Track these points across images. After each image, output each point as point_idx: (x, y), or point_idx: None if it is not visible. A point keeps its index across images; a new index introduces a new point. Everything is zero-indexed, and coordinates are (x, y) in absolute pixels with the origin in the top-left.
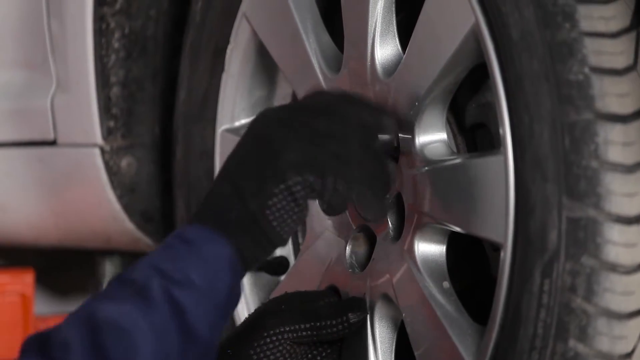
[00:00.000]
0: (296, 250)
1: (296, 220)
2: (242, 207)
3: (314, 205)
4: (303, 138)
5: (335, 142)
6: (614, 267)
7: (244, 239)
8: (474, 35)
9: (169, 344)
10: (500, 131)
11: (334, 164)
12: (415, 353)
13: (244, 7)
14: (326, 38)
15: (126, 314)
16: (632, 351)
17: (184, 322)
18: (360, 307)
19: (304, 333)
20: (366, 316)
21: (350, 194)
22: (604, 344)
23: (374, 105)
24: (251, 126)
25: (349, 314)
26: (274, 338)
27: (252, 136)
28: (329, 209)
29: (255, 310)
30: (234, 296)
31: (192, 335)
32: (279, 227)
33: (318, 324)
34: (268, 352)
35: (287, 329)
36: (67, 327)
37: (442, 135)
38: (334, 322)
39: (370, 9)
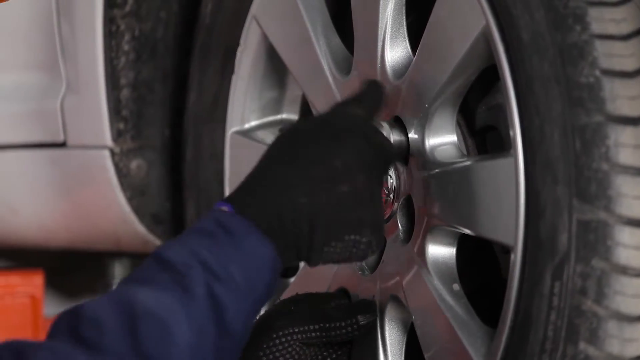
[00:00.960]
0: None
1: (338, 262)
2: (309, 238)
3: None
4: (376, 196)
5: (379, 202)
6: (624, 270)
7: (290, 250)
8: (485, 38)
9: (206, 339)
10: (511, 133)
11: (369, 219)
12: (425, 355)
13: (253, 9)
14: (336, 40)
15: (165, 304)
16: None
17: (223, 319)
18: (370, 309)
19: (314, 334)
20: (376, 318)
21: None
22: (614, 346)
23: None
24: (324, 135)
25: (359, 316)
26: (284, 339)
27: (332, 154)
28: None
29: (265, 311)
30: (270, 292)
31: (229, 332)
32: (323, 260)
33: (327, 325)
34: (277, 354)
35: (297, 330)
36: (102, 307)
37: (452, 138)
38: (343, 323)
39: (381, 11)
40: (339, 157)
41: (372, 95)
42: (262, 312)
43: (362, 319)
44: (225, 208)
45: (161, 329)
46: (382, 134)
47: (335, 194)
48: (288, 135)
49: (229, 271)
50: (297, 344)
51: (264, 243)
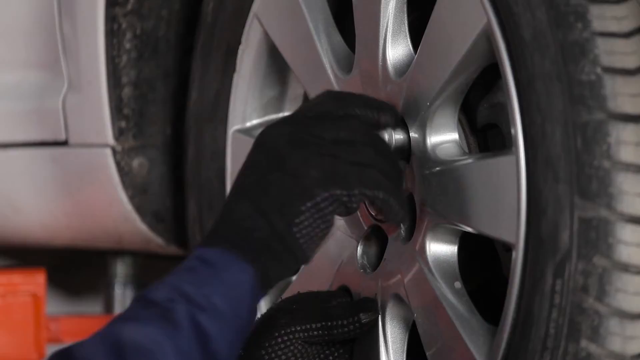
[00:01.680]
0: None
1: (321, 237)
2: (267, 226)
3: None
4: (319, 152)
5: (351, 150)
6: (626, 267)
7: (269, 259)
8: (486, 36)
9: None
10: (512, 131)
11: (357, 174)
12: (427, 353)
13: (255, 8)
14: (337, 38)
15: (151, 336)
16: None
17: (208, 347)
18: (372, 308)
19: (316, 333)
20: (378, 317)
21: (377, 202)
22: (616, 344)
23: (368, 99)
24: (259, 144)
25: (361, 315)
26: (285, 338)
27: (264, 155)
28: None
29: (267, 310)
30: (253, 318)
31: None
32: (305, 245)
33: (329, 323)
34: (279, 352)
35: (299, 328)
36: (90, 347)
37: (454, 136)
38: (345, 322)
39: (382, 9)
40: (263, 151)
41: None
42: (264, 310)
43: (364, 317)
44: (202, 246)
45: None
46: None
47: (267, 178)
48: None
49: (211, 301)
50: (299, 342)
51: (243, 269)
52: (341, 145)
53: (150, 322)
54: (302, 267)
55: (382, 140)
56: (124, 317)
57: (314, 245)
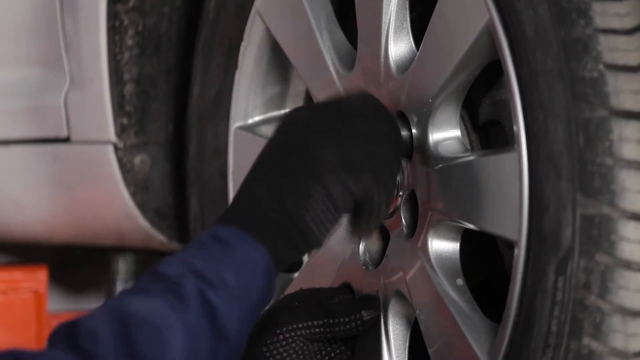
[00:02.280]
0: None
1: (333, 223)
2: (280, 209)
3: None
4: (337, 139)
5: (369, 142)
6: (628, 265)
7: (281, 242)
8: (488, 32)
9: (200, 344)
10: (514, 128)
11: (370, 164)
12: (429, 350)
13: (257, 5)
14: (340, 35)
15: (159, 310)
16: None
17: (216, 323)
18: (374, 305)
19: (317, 330)
20: (379, 314)
21: (381, 197)
22: (618, 341)
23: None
24: (282, 128)
25: (363, 312)
26: (287, 335)
27: (284, 138)
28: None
29: (269, 307)
30: (266, 297)
31: (223, 336)
32: (316, 230)
33: (331, 321)
34: (281, 349)
35: (300, 325)
36: (97, 318)
37: (456, 133)
38: (347, 319)
39: (384, 5)
40: (286, 134)
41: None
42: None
43: (366, 315)
44: (218, 226)
45: (155, 334)
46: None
47: (286, 160)
48: (263, 151)
49: (222, 277)
50: (301, 339)
51: (256, 248)
52: (363, 137)
53: (159, 296)
54: (305, 264)
55: (400, 140)
56: (134, 290)
57: (325, 230)
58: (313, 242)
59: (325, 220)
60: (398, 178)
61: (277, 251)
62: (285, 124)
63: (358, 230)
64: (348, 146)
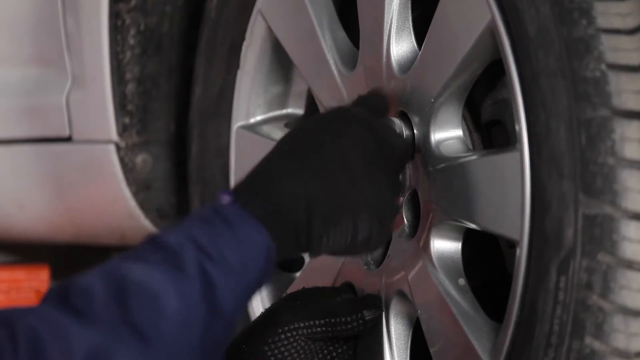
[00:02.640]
0: None
1: (337, 249)
2: (305, 222)
3: None
4: (377, 179)
5: (394, 187)
6: (630, 264)
7: (287, 240)
8: (490, 32)
9: (195, 315)
10: (516, 128)
11: (391, 211)
12: (431, 350)
13: (259, 4)
14: (342, 34)
15: (157, 279)
16: None
17: (213, 296)
18: (376, 305)
19: (319, 329)
20: (381, 313)
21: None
22: (620, 341)
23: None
24: (325, 128)
25: (364, 311)
26: (289, 334)
27: (328, 144)
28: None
29: (271, 305)
30: (262, 281)
31: (218, 310)
32: (324, 248)
33: (333, 320)
34: (282, 348)
35: (302, 325)
36: (92, 278)
37: (458, 132)
38: (348, 319)
39: (386, 5)
40: (335, 147)
41: (374, 98)
42: (268, 306)
43: (367, 314)
44: (225, 197)
45: (151, 301)
46: (391, 128)
47: (330, 180)
48: (289, 134)
49: (222, 254)
50: (303, 338)
51: (259, 231)
52: (392, 180)
53: (158, 265)
54: (307, 263)
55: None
56: (133, 257)
57: (331, 251)
58: (313, 254)
59: (335, 247)
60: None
61: (280, 242)
62: (328, 126)
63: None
64: (383, 191)
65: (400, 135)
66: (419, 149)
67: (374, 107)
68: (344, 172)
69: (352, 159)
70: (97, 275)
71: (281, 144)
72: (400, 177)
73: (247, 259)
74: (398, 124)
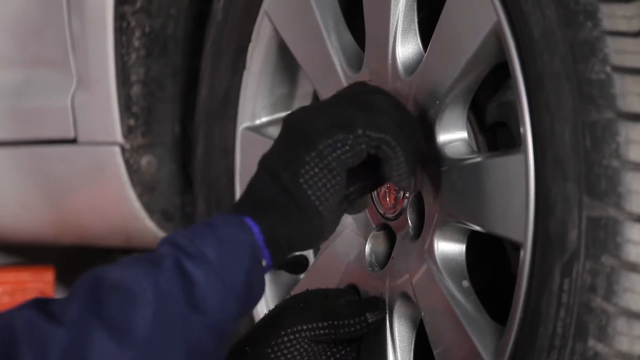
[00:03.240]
0: (316, 249)
1: (332, 190)
2: (274, 184)
3: None
4: (330, 107)
5: (362, 100)
6: (634, 267)
7: (273, 214)
8: (496, 34)
9: (172, 311)
10: (521, 130)
11: (361, 116)
12: (434, 352)
13: (265, 5)
14: (347, 36)
15: (132, 275)
16: None
17: (192, 292)
18: (378, 307)
19: (322, 332)
20: (385, 316)
21: (383, 147)
22: (623, 343)
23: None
24: (283, 126)
25: (367, 314)
26: (292, 337)
27: (283, 127)
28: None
29: (274, 307)
30: (254, 281)
31: (198, 307)
32: (314, 196)
33: (336, 322)
34: (285, 351)
35: (305, 327)
36: (72, 289)
37: (463, 134)
38: (352, 321)
39: (392, 7)
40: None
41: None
42: (272, 308)
43: (370, 317)
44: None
45: (125, 296)
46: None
47: (278, 145)
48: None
49: (202, 251)
50: (306, 340)
51: (244, 229)
52: (357, 98)
53: (135, 264)
54: (311, 265)
55: (400, 104)
56: (112, 265)
57: (325, 198)
58: (312, 211)
59: (323, 186)
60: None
61: (271, 227)
62: (285, 122)
63: (398, 182)
64: (340, 108)
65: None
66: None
67: None
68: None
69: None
70: (77, 286)
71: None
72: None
73: (229, 256)
74: None
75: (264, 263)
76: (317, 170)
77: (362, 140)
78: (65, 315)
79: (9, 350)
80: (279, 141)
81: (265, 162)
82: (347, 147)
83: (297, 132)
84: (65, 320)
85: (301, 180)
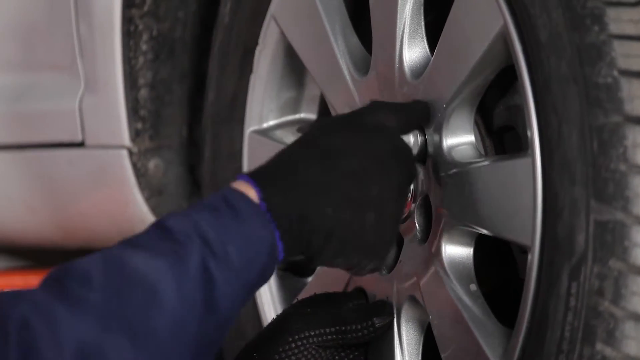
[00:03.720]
0: None
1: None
2: (322, 225)
3: None
4: (396, 190)
5: (395, 232)
6: None
7: (296, 248)
8: (503, 37)
9: (191, 311)
10: (528, 134)
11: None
12: (442, 355)
13: (272, 9)
14: (354, 40)
15: (157, 270)
16: None
17: (212, 294)
18: (386, 311)
19: (330, 337)
20: (392, 319)
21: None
22: (631, 347)
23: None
24: (359, 134)
25: (375, 319)
26: (299, 343)
27: (358, 153)
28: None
29: (281, 312)
30: (264, 278)
31: (215, 309)
32: (327, 264)
33: (343, 328)
34: (293, 357)
35: (313, 333)
36: (93, 263)
37: (470, 138)
38: (359, 326)
39: (399, 10)
40: (375, 182)
41: (415, 110)
42: (280, 310)
43: (378, 322)
44: (244, 183)
45: (148, 293)
46: (411, 153)
47: (361, 219)
48: (309, 132)
49: (226, 249)
50: (314, 347)
51: (266, 227)
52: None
53: (161, 254)
54: (318, 269)
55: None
56: (137, 243)
57: (328, 266)
58: (318, 263)
59: (336, 265)
60: (411, 188)
61: (289, 243)
62: (361, 133)
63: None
64: (399, 200)
65: (408, 147)
66: (431, 155)
67: (408, 119)
68: (376, 214)
69: (387, 201)
70: (99, 260)
71: (303, 139)
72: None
73: (250, 255)
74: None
75: (278, 258)
76: (336, 265)
77: (368, 268)
78: (86, 303)
79: (24, 339)
80: (358, 145)
81: (330, 159)
82: (363, 270)
83: (366, 184)
84: (85, 310)
85: (326, 262)
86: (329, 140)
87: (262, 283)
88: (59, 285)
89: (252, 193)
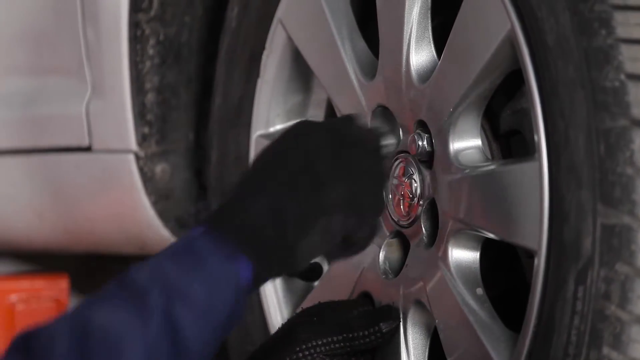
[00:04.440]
0: None
1: (321, 253)
2: (279, 231)
3: None
4: (346, 175)
5: (372, 180)
6: None
7: (271, 263)
8: (510, 41)
9: (159, 358)
10: (535, 138)
11: (371, 206)
12: (448, 359)
13: (279, 13)
14: (361, 44)
15: (119, 322)
16: None
17: (178, 339)
18: (392, 316)
19: (337, 345)
20: (398, 324)
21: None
22: (637, 351)
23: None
24: (288, 141)
25: (381, 324)
26: (307, 352)
27: (291, 154)
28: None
29: (287, 321)
30: (235, 315)
31: (183, 353)
32: (306, 258)
33: (350, 335)
34: None
35: (320, 342)
36: (57, 327)
37: (477, 142)
38: (366, 332)
39: (406, 14)
40: (299, 154)
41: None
42: (286, 318)
43: (384, 327)
44: (199, 229)
45: (112, 347)
46: (355, 124)
47: (297, 188)
48: (259, 153)
49: (189, 289)
50: (321, 356)
51: (229, 260)
52: (367, 174)
53: (122, 306)
54: (324, 272)
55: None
56: (100, 298)
57: (312, 258)
58: (299, 268)
59: (317, 251)
60: (416, 187)
61: (263, 270)
62: (293, 138)
63: (338, 258)
64: (355, 185)
65: (369, 128)
66: (437, 158)
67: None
68: (311, 177)
69: (318, 163)
70: (63, 323)
71: (253, 163)
72: (418, 185)
73: (216, 292)
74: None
75: (247, 286)
76: (319, 237)
77: (367, 232)
78: None
79: None
80: (282, 163)
81: (265, 185)
82: (354, 231)
83: (311, 185)
84: None
85: (305, 245)
86: (278, 147)
87: (234, 322)
88: (25, 352)
89: (211, 235)
